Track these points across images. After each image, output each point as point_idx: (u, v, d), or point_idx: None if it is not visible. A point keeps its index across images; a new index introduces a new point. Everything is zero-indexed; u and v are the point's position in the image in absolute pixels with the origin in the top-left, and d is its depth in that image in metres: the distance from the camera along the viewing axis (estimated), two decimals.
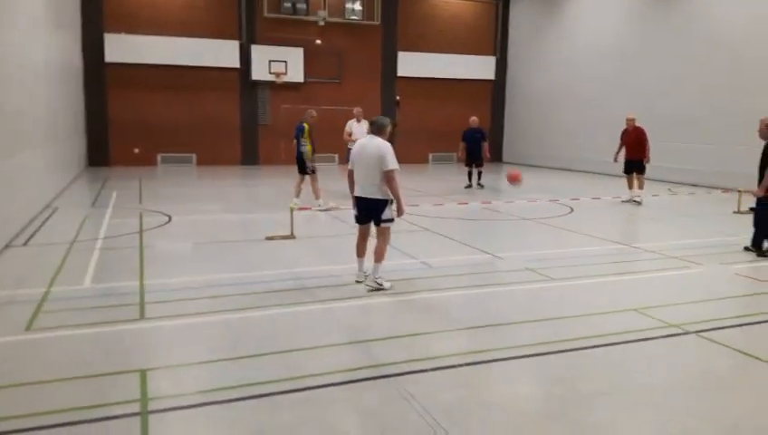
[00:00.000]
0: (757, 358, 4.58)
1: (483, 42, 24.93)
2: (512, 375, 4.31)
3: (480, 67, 24.77)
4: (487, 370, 4.37)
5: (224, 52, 21.12)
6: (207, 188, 15.79)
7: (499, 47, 25.19)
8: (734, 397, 3.99)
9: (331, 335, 4.97)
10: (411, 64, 23.54)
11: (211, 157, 21.47)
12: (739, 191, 12.23)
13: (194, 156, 21.52)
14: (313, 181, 11.69)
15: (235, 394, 3.86)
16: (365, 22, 22.76)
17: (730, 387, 4.15)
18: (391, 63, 23.50)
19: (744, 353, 4.66)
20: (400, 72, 23.51)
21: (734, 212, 11.77)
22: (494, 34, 25.15)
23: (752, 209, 11.65)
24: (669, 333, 5.08)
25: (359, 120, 14.15)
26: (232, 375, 4.16)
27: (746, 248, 8.36)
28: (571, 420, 3.63)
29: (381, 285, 6.25)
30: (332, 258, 7.60)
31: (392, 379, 4.11)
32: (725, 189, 14.63)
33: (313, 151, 11.66)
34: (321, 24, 21.97)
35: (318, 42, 22.12)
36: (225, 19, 21.27)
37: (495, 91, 25.40)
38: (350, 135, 13.98)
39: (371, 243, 6.53)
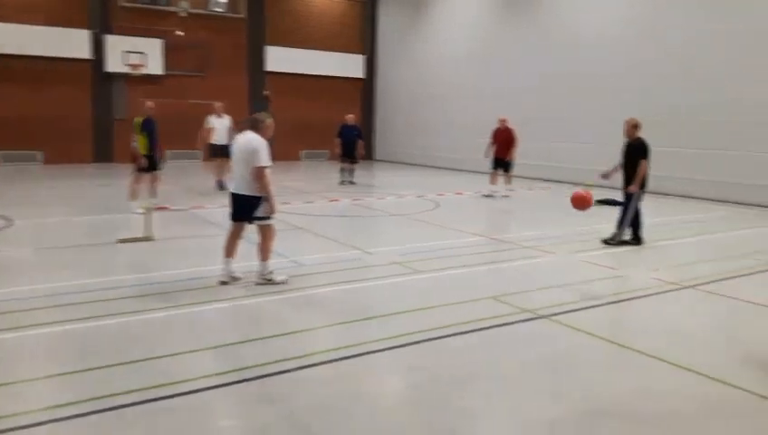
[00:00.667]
0: (602, 338, 4.97)
1: (352, 39, 25.13)
2: (380, 367, 4.35)
3: (350, 65, 24.96)
4: (356, 364, 4.36)
5: (73, 41, 19.57)
6: (55, 188, 14.52)
7: (368, 45, 25.53)
8: (583, 376, 4.29)
9: (192, 341, 4.72)
10: (280, 59, 23.21)
11: (60, 154, 19.82)
12: (587, 185, 13.30)
13: (40, 154, 19.75)
14: (135, 181, 10.78)
15: (83, 409, 3.54)
16: (229, 14, 22.10)
17: (579, 366, 4.46)
18: (258, 58, 23.01)
19: (590, 334, 5.04)
20: (269, 67, 23.10)
21: None
22: (363, 32, 25.43)
23: (601, 202, 12.73)
24: (524, 318, 5.38)
25: (219, 115, 13.88)
26: (80, 389, 3.82)
27: (630, 241, 8.72)
28: (437, 407, 3.72)
29: (272, 280, 6.17)
30: (194, 260, 7.26)
31: (258, 381, 3.98)
32: (576, 184, 15.83)
33: (153, 147, 10.85)
34: (183, 15, 21.03)
35: (179, 33, 21.14)
36: (73, 6, 19.70)
37: (365, 89, 25.72)
38: (210, 131, 13.76)
39: (246, 247, 6.35)
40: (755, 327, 5.46)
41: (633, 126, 8.70)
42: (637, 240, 8.72)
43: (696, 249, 8.83)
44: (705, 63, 13.89)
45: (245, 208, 6.17)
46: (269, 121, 6.32)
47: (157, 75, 20.67)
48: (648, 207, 9.40)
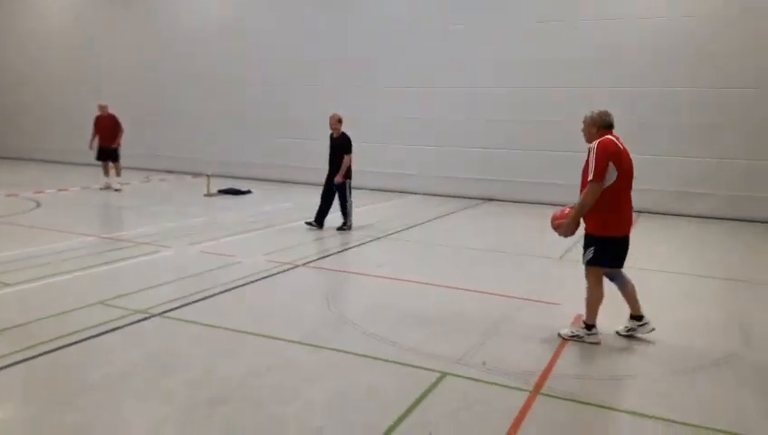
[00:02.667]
0: (218, 326, 4.91)
1: None
2: None
3: None
4: None
5: None
6: None
7: None
8: (199, 367, 4.16)
9: None
10: None
11: None
12: (207, 176, 13.25)
13: None
14: None
15: None
16: None
17: (193, 358, 4.31)
18: None
19: (206, 325, 4.94)
20: None
21: (205, 195, 12.69)
22: None
23: (221, 192, 12.86)
24: (136, 319, 5.00)
25: None
26: None
27: (309, 223, 9.21)
28: (48, 425, 3.16)
29: None
30: None
31: None
32: (196, 174, 15.69)
33: None
34: None
35: None
36: None
37: None
38: None
39: None
40: (350, 294, 6.16)
41: (338, 121, 9.03)
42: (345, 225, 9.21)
43: (301, 232, 9.46)
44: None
45: None
46: None
47: None
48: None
